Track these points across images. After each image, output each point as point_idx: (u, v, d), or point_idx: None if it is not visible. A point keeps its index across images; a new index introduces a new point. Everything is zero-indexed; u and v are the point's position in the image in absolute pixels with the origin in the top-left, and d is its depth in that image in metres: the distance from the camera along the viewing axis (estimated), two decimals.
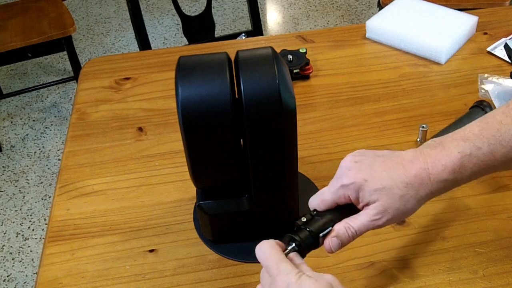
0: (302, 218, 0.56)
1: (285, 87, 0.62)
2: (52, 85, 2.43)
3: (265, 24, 3.01)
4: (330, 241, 0.54)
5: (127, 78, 1.10)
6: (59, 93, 2.58)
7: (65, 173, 0.89)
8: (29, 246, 1.91)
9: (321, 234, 0.54)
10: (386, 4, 1.46)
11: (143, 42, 1.60)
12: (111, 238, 0.78)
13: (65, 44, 2.15)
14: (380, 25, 1.15)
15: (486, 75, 1.04)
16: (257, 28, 1.69)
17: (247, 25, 2.97)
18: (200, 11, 1.64)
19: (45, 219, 2.00)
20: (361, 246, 0.74)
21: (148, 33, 1.62)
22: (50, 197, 2.08)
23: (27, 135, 2.36)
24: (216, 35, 1.71)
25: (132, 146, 0.94)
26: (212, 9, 1.68)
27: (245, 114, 0.62)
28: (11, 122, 2.44)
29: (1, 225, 1.99)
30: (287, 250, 0.53)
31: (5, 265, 1.85)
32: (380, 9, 1.68)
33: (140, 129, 0.98)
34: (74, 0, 3.29)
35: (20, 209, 2.05)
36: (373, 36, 1.17)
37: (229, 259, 0.74)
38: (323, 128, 0.95)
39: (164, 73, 1.11)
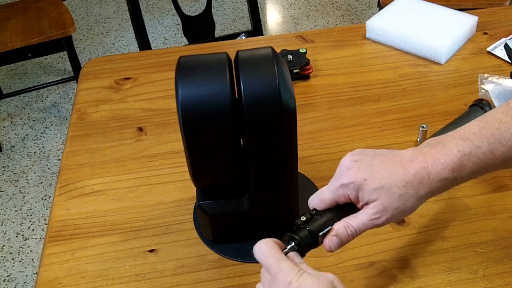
0: (301, 218, 0.56)
1: (285, 87, 0.62)
2: (52, 85, 2.43)
3: (265, 24, 3.01)
4: (329, 240, 0.54)
5: (127, 78, 1.10)
6: (59, 93, 2.58)
7: (65, 173, 0.89)
8: (29, 246, 1.91)
9: (320, 233, 0.54)
10: (386, 4, 1.46)
11: (143, 42, 1.60)
12: (111, 238, 0.78)
13: (65, 44, 2.15)
14: (380, 25, 1.15)
15: (486, 75, 1.04)
16: (257, 28, 1.69)
17: (247, 25, 2.97)
18: (200, 11, 1.64)
19: (45, 219, 2.00)
20: (361, 246, 0.74)
21: (148, 33, 1.62)
22: (50, 197, 2.08)
23: (27, 135, 2.36)
24: (216, 35, 1.71)
25: (132, 146, 0.94)
26: (212, 9, 1.68)
27: (245, 114, 0.62)
28: (11, 122, 2.44)
29: (1, 225, 1.99)
30: (287, 249, 0.53)
31: (5, 265, 1.85)
32: (380, 9, 1.68)
33: (140, 129, 0.98)
34: (74, 0, 3.29)
35: (20, 209, 2.05)
36: (373, 36, 1.17)
37: (229, 259, 0.74)
38: (323, 128, 0.95)
39: (164, 73, 1.11)
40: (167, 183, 0.86)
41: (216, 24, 1.70)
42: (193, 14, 1.64)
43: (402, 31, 1.12)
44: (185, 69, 0.63)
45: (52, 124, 2.41)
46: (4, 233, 1.96)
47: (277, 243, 0.53)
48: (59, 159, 2.23)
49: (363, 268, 0.72)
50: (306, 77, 1.07)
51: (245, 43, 1.24)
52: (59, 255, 0.76)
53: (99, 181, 0.87)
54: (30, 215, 2.02)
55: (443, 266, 0.71)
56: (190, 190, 0.84)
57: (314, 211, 0.57)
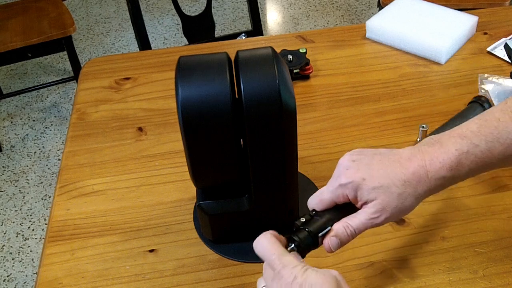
0: (301, 219, 0.56)
1: (285, 87, 0.62)
2: (52, 85, 2.43)
3: (265, 24, 3.01)
4: (329, 241, 0.54)
5: (127, 78, 1.10)
6: (59, 93, 2.58)
7: (65, 173, 0.89)
8: (29, 246, 1.91)
9: (320, 234, 0.54)
10: (386, 4, 1.46)
11: (143, 42, 1.60)
12: (111, 238, 0.78)
13: (65, 44, 2.15)
14: (380, 25, 1.15)
15: (486, 75, 1.04)
16: (257, 28, 1.69)
17: (247, 25, 2.97)
18: (200, 11, 1.64)
19: (45, 219, 2.00)
20: (361, 246, 0.74)
21: (148, 33, 1.62)
22: (50, 197, 2.08)
23: (27, 135, 2.36)
24: (216, 35, 1.71)
25: (132, 146, 0.94)
26: (212, 9, 1.68)
27: (245, 114, 0.62)
28: (11, 122, 2.44)
29: (1, 225, 1.99)
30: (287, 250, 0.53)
31: (5, 265, 1.85)
32: (380, 9, 1.68)
33: (140, 129, 0.98)
34: (74, 0, 3.29)
35: (20, 209, 2.05)
36: (373, 36, 1.17)
37: (229, 259, 0.74)
38: (323, 128, 0.95)
39: (164, 73, 1.11)
40: (167, 183, 0.86)
41: (216, 24, 1.70)
42: (193, 14, 1.64)
43: (402, 31, 1.12)
44: (185, 69, 0.63)
45: (52, 124, 2.41)
46: (4, 233, 1.96)
47: (276, 236, 0.53)
48: (59, 159, 2.23)
49: (363, 268, 0.72)
50: (306, 77, 1.07)
51: (245, 43, 1.24)
52: (59, 255, 0.76)
53: (99, 181, 0.87)
54: (30, 215, 2.02)
55: (443, 266, 0.71)
56: (190, 190, 0.84)
57: (314, 212, 0.57)
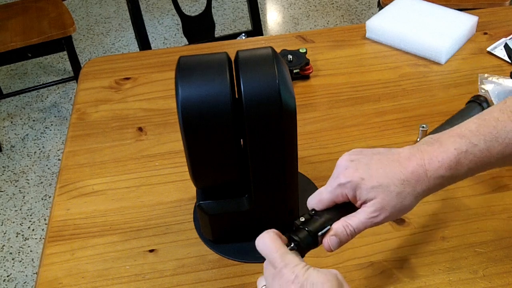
0: (300, 218, 0.56)
1: (285, 87, 0.62)
2: (52, 85, 2.43)
3: (265, 24, 3.01)
4: (329, 240, 0.54)
5: (127, 78, 1.10)
6: (59, 93, 2.58)
7: (65, 173, 0.89)
8: (29, 246, 1.91)
9: (319, 233, 0.55)
10: (386, 4, 1.46)
11: (143, 42, 1.60)
12: (111, 238, 0.78)
13: (65, 44, 2.15)
14: (380, 25, 1.15)
15: (486, 75, 1.04)
16: (257, 28, 1.69)
17: (247, 25, 2.97)
18: (200, 11, 1.64)
19: (45, 219, 2.00)
20: (361, 246, 0.74)
21: (148, 33, 1.62)
22: (50, 197, 2.08)
23: (27, 135, 2.36)
24: (216, 35, 1.71)
25: (132, 146, 0.94)
26: (212, 9, 1.68)
27: (245, 114, 0.62)
28: (11, 122, 2.44)
29: (1, 225, 1.99)
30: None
31: (5, 265, 1.85)
32: (380, 9, 1.68)
33: (140, 129, 0.98)
34: (74, 0, 3.29)
35: (20, 209, 2.05)
36: (373, 36, 1.17)
37: (229, 259, 0.74)
38: (323, 128, 0.95)
39: (164, 73, 1.11)
40: (167, 183, 0.86)
41: (216, 24, 1.70)
42: (193, 14, 1.64)
43: (402, 31, 1.12)
44: (185, 69, 0.63)
45: (52, 124, 2.41)
46: (4, 233, 1.96)
47: (278, 234, 0.53)
48: (59, 159, 2.23)
49: (363, 268, 0.72)
50: (306, 77, 1.07)
51: (245, 43, 1.24)
52: (59, 255, 0.76)
53: (99, 181, 0.87)
54: (30, 215, 2.02)
55: (443, 266, 0.71)
56: (190, 190, 0.84)
57: (313, 212, 0.57)
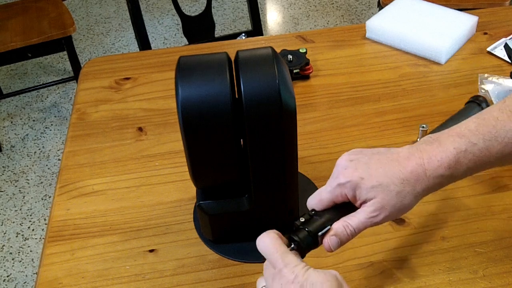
0: (300, 219, 0.56)
1: (285, 87, 0.62)
2: (52, 85, 2.43)
3: (265, 24, 3.01)
4: (329, 240, 0.54)
5: (127, 78, 1.10)
6: (59, 93, 2.58)
7: (65, 173, 0.89)
8: (29, 246, 1.91)
9: (319, 233, 0.55)
10: (386, 4, 1.46)
11: (143, 42, 1.60)
12: (111, 238, 0.78)
13: (65, 44, 2.15)
14: (380, 25, 1.15)
15: (486, 75, 1.04)
16: (257, 28, 1.69)
17: (247, 25, 2.97)
18: (200, 11, 1.64)
19: (45, 219, 2.00)
20: (361, 246, 0.74)
21: (148, 33, 1.62)
22: (50, 197, 2.08)
23: (27, 135, 2.36)
24: (216, 35, 1.71)
25: (132, 146, 0.94)
26: (212, 9, 1.68)
27: (245, 114, 0.62)
28: (11, 122, 2.44)
29: (1, 225, 1.99)
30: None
31: (5, 265, 1.85)
32: (380, 9, 1.68)
33: (140, 129, 0.98)
34: (74, 0, 3.29)
35: (20, 209, 2.05)
36: (373, 36, 1.17)
37: (229, 259, 0.74)
38: (323, 128, 0.95)
39: (164, 73, 1.11)
40: (167, 183, 0.86)
41: (216, 24, 1.70)
42: (193, 14, 1.64)
43: (402, 31, 1.12)
44: (185, 69, 0.63)
45: (52, 124, 2.41)
46: (4, 233, 1.96)
47: (279, 235, 0.54)
48: (59, 159, 2.23)
49: (363, 268, 0.72)
50: (306, 77, 1.07)
51: (245, 43, 1.24)
52: (59, 255, 0.76)
53: (99, 181, 0.87)
54: (30, 215, 2.02)
55: (443, 266, 0.71)
56: (190, 190, 0.84)
57: (313, 212, 0.57)
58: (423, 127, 0.88)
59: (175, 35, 2.94)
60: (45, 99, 2.55)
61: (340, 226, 0.54)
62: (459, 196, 0.81)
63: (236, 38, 1.59)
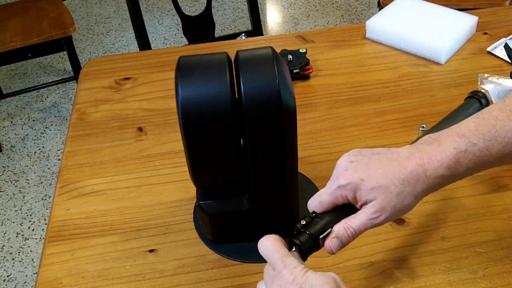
0: (301, 221, 0.56)
1: (285, 87, 0.62)
2: (52, 85, 2.43)
3: (265, 24, 3.01)
4: (330, 242, 0.54)
5: (127, 78, 1.10)
6: (59, 93, 2.58)
7: (65, 173, 0.89)
8: (29, 246, 1.91)
9: (321, 236, 0.54)
10: (386, 4, 1.46)
11: (143, 42, 1.60)
12: (111, 238, 0.78)
13: (65, 44, 2.15)
14: (380, 25, 1.15)
15: (486, 75, 1.04)
16: (257, 28, 1.69)
17: (247, 25, 2.97)
18: (200, 11, 1.64)
19: (45, 219, 2.00)
20: (361, 246, 0.74)
21: (148, 33, 1.62)
22: (50, 197, 2.08)
23: (27, 135, 2.36)
24: (216, 35, 1.71)
25: (132, 146, 0.94)
26: (212, 9, 1.68)
27: (245, 114, 0.62)
28: (11, 122, 2.44)
29: (1, 225, 1.99)
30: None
31: (5, 265, 1.85)
32: (380, 9, 1.68)
33: (140, 129, 0.98)
34: (74, 0, 3.29)
35: (20, 209, 2.05)
36: (373, 36, 1.17)
37: (229, 259, 0.74)
38: (323, 128, 0.95)
39: (164, 73, 1.11)
40: (167, 183, 0.86)
41: (216, 24, 1.70)
42: (193, 14, 1.64)
43: (402, 31, 1.12)
44: (185, 69, 0.63)
45: (52, 124, 2.41)
46: (4, 233, 1.96)
47: (281, 239, 0.54)
48: (59, 159, 2.23)
49: (363, 268, 0.72)
50: (306, 77, 1.07)
51: (245, 43, 1.24)
52: (59, 255, 0.76)
53: (99, 181, 0.87)
54: (30, 215, 2.02)
55: (443, 266, 0.71)
56: (190, 190, 0.84)
57: (314, 214, 0.57)
58: (423, 127, 0.88)
59: (175, 35, 2.94)
60: (45, 99, 2.55)
61: (341, 228, 0.54)
62: (459, 196, 0.81)
63: (236, 38, 1.59)
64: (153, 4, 3.21)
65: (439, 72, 1.07)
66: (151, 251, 0.76)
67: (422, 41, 1.10)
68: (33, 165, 2.22)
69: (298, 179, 0.71)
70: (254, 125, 0.63)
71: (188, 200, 0.83)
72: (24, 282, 1.79)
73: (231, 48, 1.17)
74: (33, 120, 2.44)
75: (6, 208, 2.05)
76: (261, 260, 0.54)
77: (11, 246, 1.91)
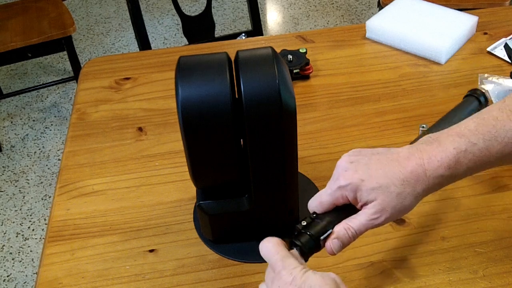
0: (302, 222, 0.56)
1: (285, 87, 0.62)
2: (52, 85, 2.43)
3: (265, 24, 3.01)
4: (331, 243, 0.54)
5: (127, 78, 1.10)
6: (59, 93, 2.58)
7: (65, 173, 0.89)
8: (29, 246, 1.91)
9: (322, 237, 0.54)
10: (386, 4, 1.46)
11: (143, 42, 1.60)
12: (111, 238, 0.78)
13: (65, 44, 2.15)
14: (380, 25, 1.15)
15: (486, 75, 1.04)
16: (257, 28, 1.69)
17: (247, 25, 2.97)
18: (200, 11, 1.64)
19: (45, 219, 2.00)
20: (361, 246, 0.74)
21: (148, 33, 1.62)
22: (50, 197, 2.08)
23: (27, 135, 2.36)
24: (216, 35, 1.71)
25: (132, 146, 0.94)
26: (212, 9, 1.68)
27: (245, 114, 0.62)
28: (11, 122, 2.44)
29: (1, 225, 1.99)
30: None
31: (5, 265, 1.85)
32: (380, 9, 1.68)
33: (140, 129, 0.98)
34: (74, 0, 3.29)
35: (20, 209, 2.05)
36: (373, 36, 1.17)
37: (229, 259, 0.74)
38: (323, 128, 0.95)
39: (164, 73, 1.11)
40: (167, 183, 0.86)
41: (216, 24, 1.70)
42: (193, 14, 1.64)
43: (402, 31, 1.12)
44: (185, 69, 0.63)
45: (52, 124, 2.41)
46: (4, 233, 1.96)
47: (282, 242, 0.54)
48: (59, 159, 2.23)
49: (363, 268, 0.72)
50: (306, 77, 1.07)
51: (245, 43, 1.24)
52: (59, 255, 0.76)
53: (99, 181, 0.87)
54: (30, 215, 2.02)
55: (443, 266, 0.71)
56: (190, 190, 0.84)
57: (314, 215, 0.57)
58: (423, 127, 0.88)
59: (175, 35, 2.94)
60: (45, 99, 2.55)
61: (342, 229, 0.54)
62: (459, 196, 0.81)
63: (236, 38, 1.59)
64: (153, 4, 3.21)
65: (439, 72, 1.07)
66: (151, 251, 0.76)
67: (422, 41, 1.10)
68: (33, 165, 2.22)
69: (298, 179, 0.71)
70: (254, 125, 0.63)
71: (188, 200, 0.83)
72: (24, 282, 1.80)
73: (231, 48, 1.17)
74: (33, 120, 2.44)
75: (6, 208, 2.05)
76: (261, 260, 0.54)
77: (11, 246, 1.91)
